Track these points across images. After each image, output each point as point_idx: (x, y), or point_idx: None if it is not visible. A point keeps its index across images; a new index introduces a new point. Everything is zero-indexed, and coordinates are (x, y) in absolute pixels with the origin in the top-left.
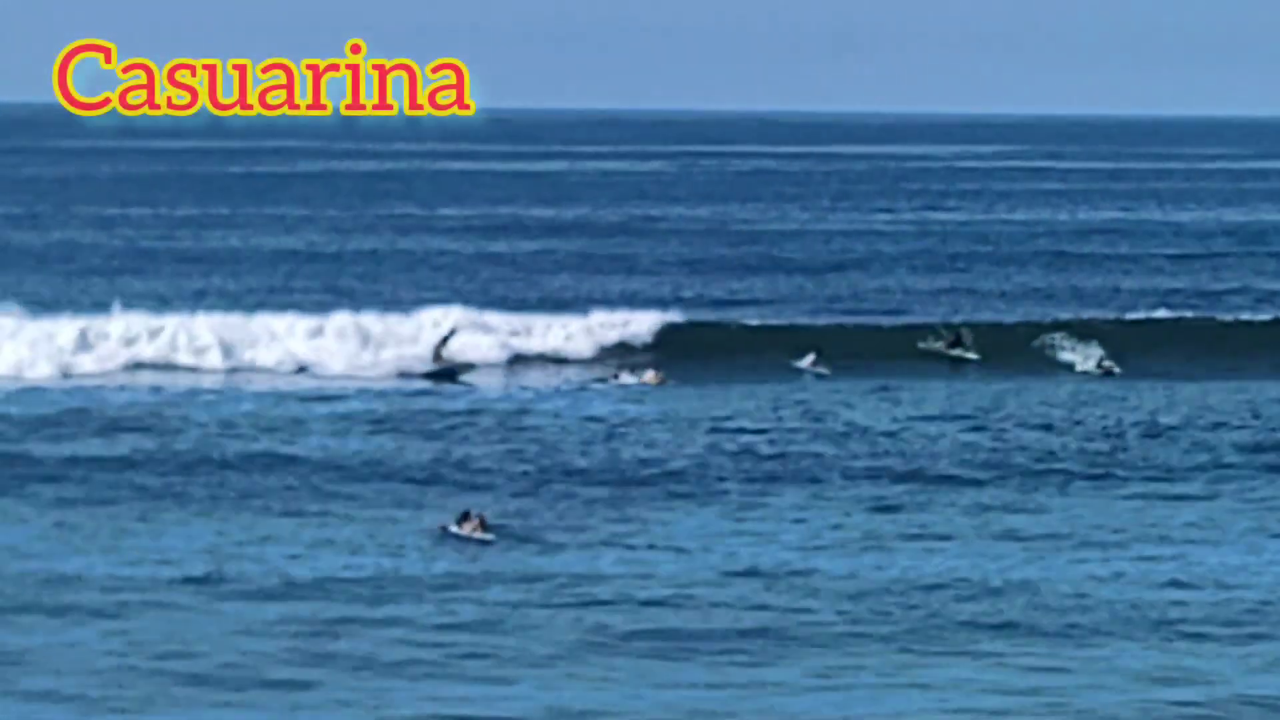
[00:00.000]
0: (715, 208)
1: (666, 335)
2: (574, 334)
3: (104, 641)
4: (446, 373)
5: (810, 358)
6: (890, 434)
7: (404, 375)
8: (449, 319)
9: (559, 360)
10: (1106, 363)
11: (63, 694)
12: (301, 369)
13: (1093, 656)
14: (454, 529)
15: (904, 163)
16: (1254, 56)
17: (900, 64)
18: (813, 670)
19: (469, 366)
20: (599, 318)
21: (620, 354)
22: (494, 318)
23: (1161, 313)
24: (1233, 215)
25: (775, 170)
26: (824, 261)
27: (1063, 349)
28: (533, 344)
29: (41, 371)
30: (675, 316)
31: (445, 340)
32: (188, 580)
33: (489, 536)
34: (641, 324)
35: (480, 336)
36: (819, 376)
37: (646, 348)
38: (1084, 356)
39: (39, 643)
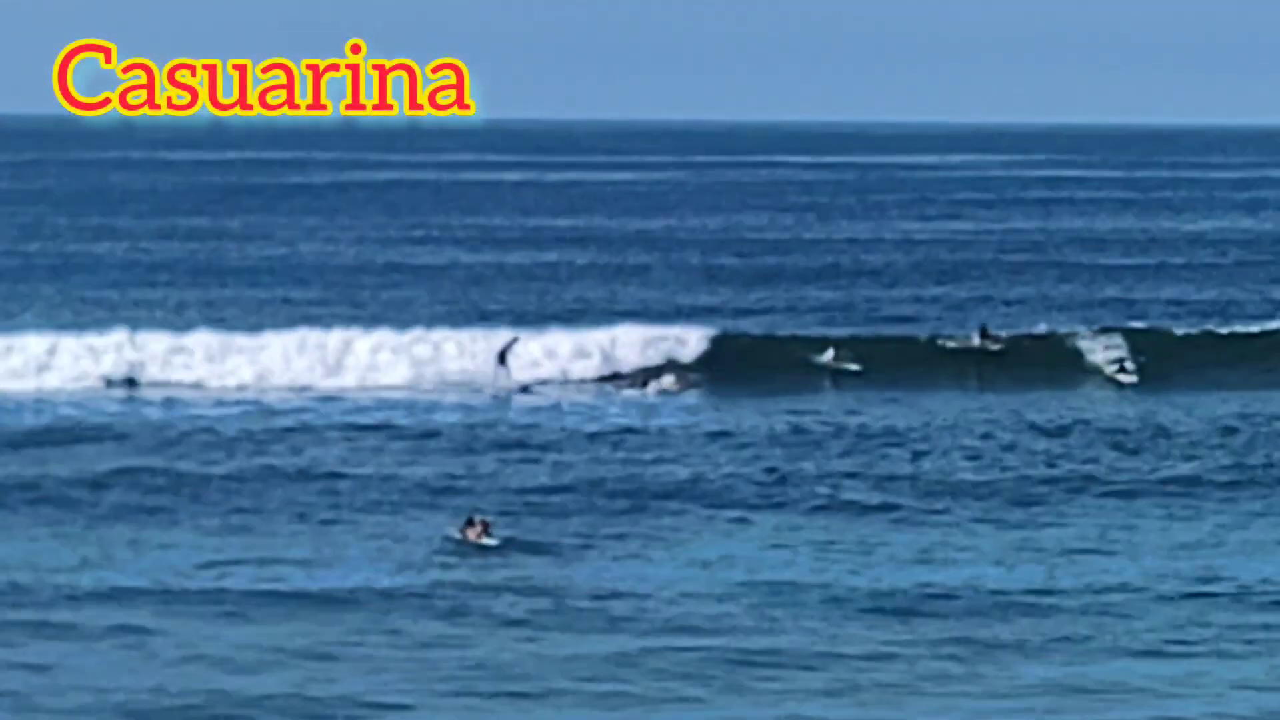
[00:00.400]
0: (731, 218)
1: (705, 347)
2: (612, 346)
3: (121, 657)
4: (523, 388)
5: (830, 353)
6: (912, 443)
7: (473, 390)
8: (498, 335)
9: (611, 375)
10: (1129, 364)
11: (101, 708)
12: (335, 384)
13: (1109, 671)
14: (457, 535)
15: (915, 172)
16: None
17: (911, 73)
18: (836, 686)
19: (548, 381)
20: (634, 331)
21: (658, 366)
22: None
23: (1181, 325)
24: (1254, 224)
25: (789, 180)
26: (839, 271)
27: (1084, 338)
28: (574, 357)
29: (91, 386)
30: (710, 329)
31: (510, 346)
32: (191, 593)
33: (493, 542)
34: (680, 337)
35: (536, 350)
36: (846, 373)
37: (685, 361)
38: (1104, 348)
39: (58, 658)
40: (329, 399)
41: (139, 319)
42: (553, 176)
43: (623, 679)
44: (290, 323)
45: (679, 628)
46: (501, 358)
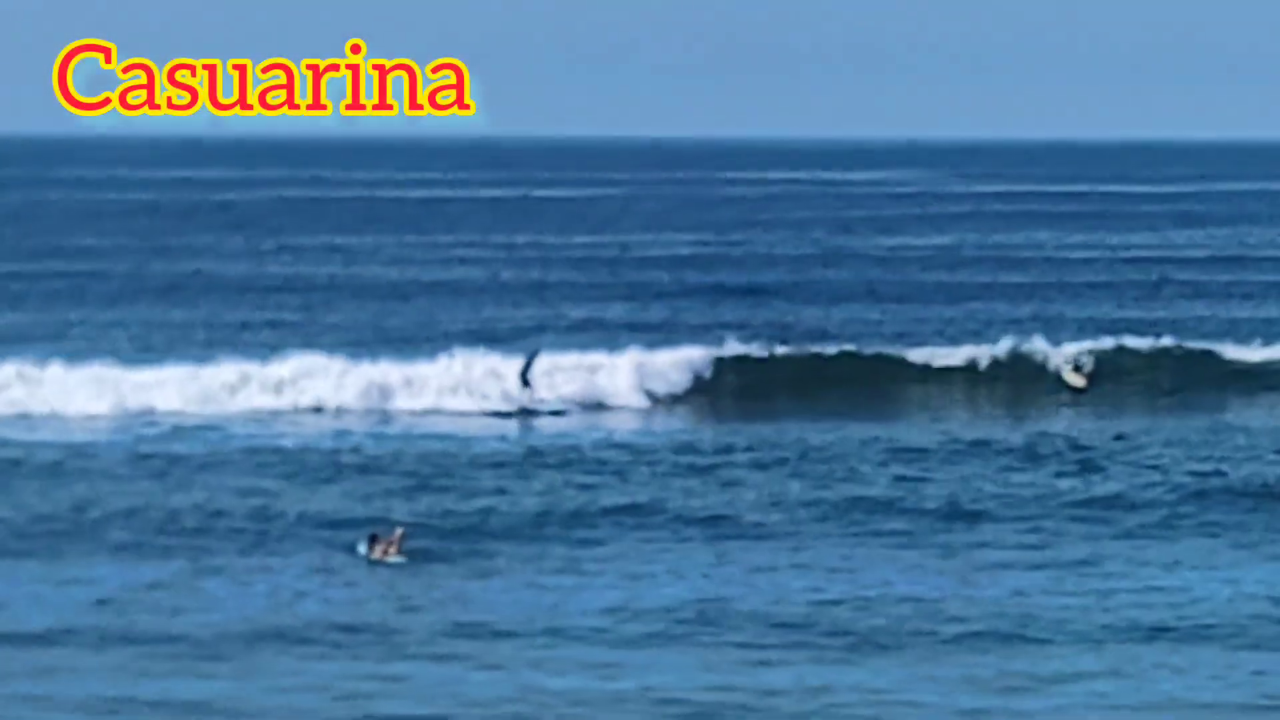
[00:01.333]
0: (666, 235)
1: (716, 369)
2: (614, 370)
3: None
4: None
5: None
6: (853, 462)
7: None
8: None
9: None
10: (1084, 365)
11: None
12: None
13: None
14: (365, 553)
15: (855, 188)
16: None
17: (859, 88)
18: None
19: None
20: (635, 355)
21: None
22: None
23: (1129, 339)
24: (1188, 240)
25: (721, 196)
26: (772, 289)
27: (1040, 350)
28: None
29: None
30: (714, 351)
31: (530, 363)
32: (89, 634)
33: (402, 559)
34: (687, 359)
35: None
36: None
37: (696, 384)
38: (1059, 352)
39: None
40: (260, 421)
41: (34, 344)
42: (485, 193)
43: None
44: (210, 347)
45: (587, 662)
46: (524, 377)
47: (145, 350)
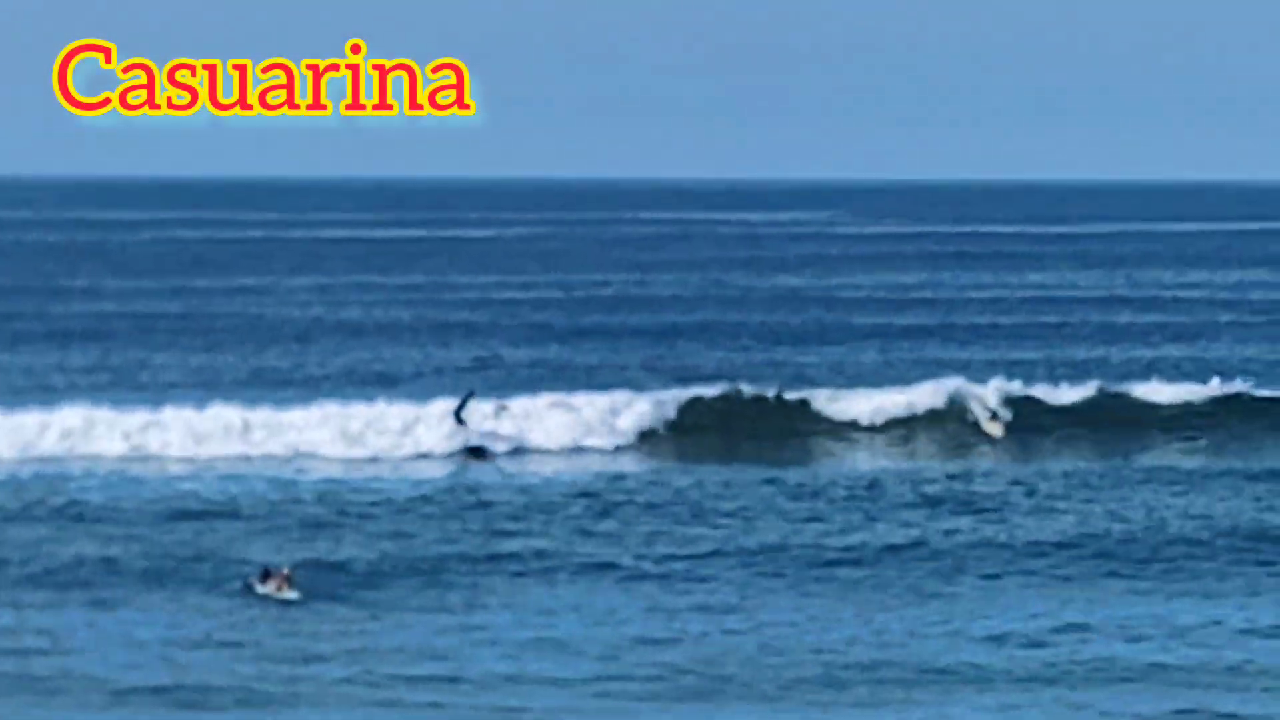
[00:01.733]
0: (589, 275)
1: (631, 413)
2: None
3: None
4: (475, 451)
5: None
6: (741, 504)
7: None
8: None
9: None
10: (1001, 414)
11: None
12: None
13: None
14: (258, 588)
15: (777, 228)
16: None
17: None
18: None
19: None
20: (584, 397)
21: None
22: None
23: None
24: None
25: (627, 236)
26: (664, 329)
27: (960, 394)
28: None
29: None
30: (628, 395)
31: (464, 403)
32: None
33: (294, 595)
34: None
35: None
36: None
37: (611, 427)
38: (976, 397)
39: None
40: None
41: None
42: (393, 234)
43: None
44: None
45: (489, 705)
46: (458, 415)
47: (42, 392)
